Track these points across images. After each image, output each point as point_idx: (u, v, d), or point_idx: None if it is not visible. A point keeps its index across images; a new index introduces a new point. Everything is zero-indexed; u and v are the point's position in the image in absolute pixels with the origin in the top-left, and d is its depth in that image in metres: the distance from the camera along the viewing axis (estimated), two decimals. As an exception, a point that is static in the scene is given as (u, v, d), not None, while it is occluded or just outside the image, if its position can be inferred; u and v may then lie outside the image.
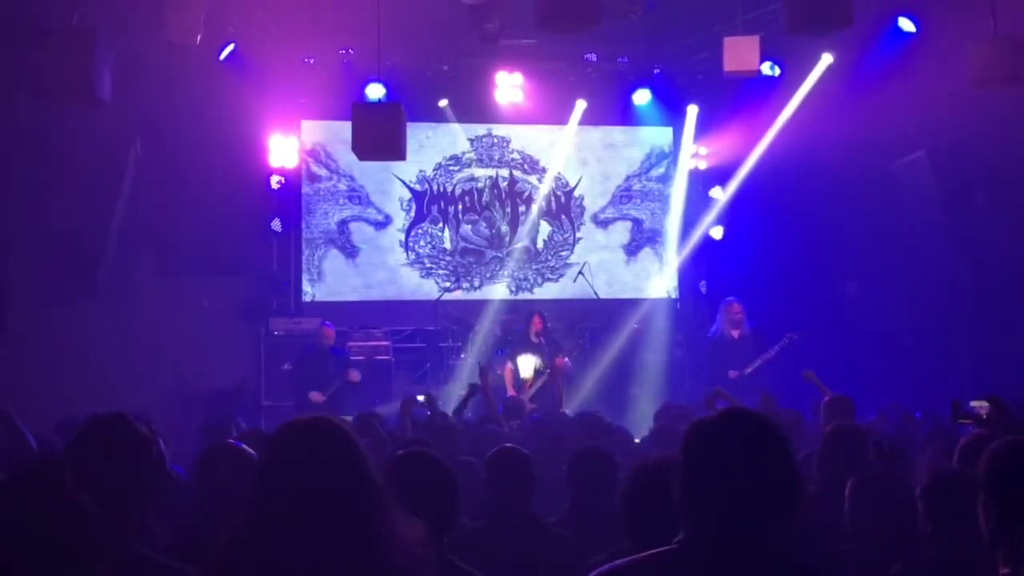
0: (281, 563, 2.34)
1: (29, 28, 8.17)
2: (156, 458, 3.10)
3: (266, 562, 2.35)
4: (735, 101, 12.73)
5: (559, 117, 13.89)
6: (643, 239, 14.47)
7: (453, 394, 11.74)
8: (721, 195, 13.77)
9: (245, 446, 4.02)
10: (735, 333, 11.39)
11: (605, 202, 14.42)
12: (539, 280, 14.13)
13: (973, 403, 5.77)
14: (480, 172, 14.11)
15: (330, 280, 13.49)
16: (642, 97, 13.62)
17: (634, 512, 3.29)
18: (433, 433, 6.35)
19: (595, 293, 13.03)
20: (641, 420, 9.28)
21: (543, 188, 14.16)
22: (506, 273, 13.97)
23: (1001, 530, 2.54)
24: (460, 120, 13.70)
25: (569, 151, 14.17)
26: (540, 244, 14.20)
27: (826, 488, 4.60)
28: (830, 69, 12.02)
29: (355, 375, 11.21)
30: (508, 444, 4.73)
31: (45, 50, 7.54)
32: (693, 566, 2.34)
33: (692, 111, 13.88)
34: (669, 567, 2.36)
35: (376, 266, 13.69)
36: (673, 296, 14.29)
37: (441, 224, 13.94)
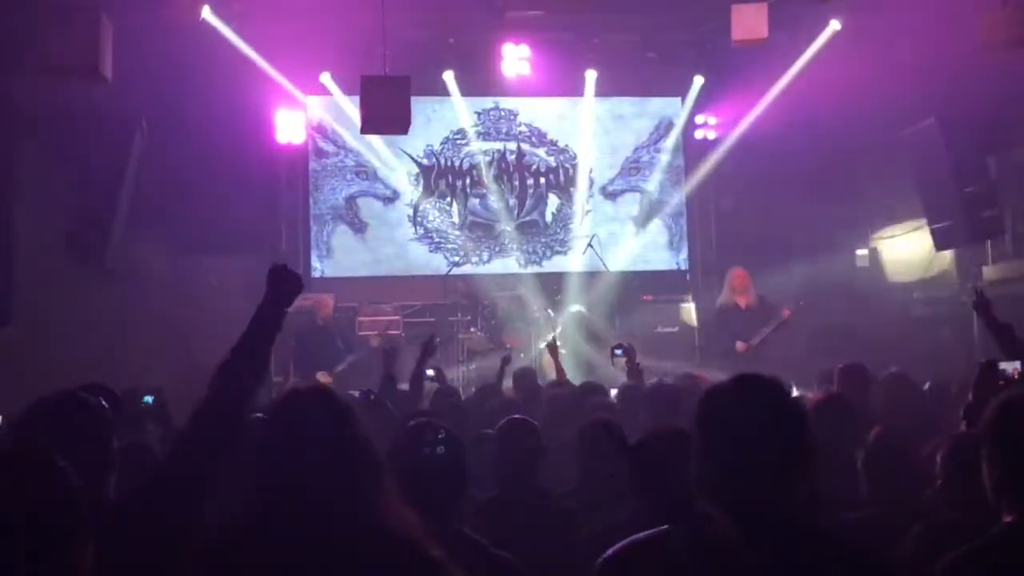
0: (281, 533, 2.35)
1: (33, 5, 8.16)
2: (110, 429, 2.99)
3: (266, 534, 2.36)
4: (743, 70, 12.62)
5: (567, 89, 13.79)
6: (652, 211, 14.39)
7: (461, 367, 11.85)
8: (728, 165, 13.65)
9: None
10: (741, 302, 11.30)
11: (614, 174, 14.35)
12: (548, 253, 14.09)
13: (1003, 365, 5.66)
14: (488, 146, 14.04)
15: (339, 256, 13.48)
16: (650, 67, 13.50)
17: (643, 480, 3.27)
18: (442, 406, 6.34)
19: (604, 265, 12.98)
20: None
21: (551, 161, 14.11)
22: (515, 247, 13.93)
23: (1005, 479, 2.60)
24: (466, 93, 13.60)
25: (577, 123, 14.09)
26: (549, 217, 14.16)
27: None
28: (838, 36, 11.89)
29: (376, 340, 11.25)
30: (517, 415, 4.73)
31: (48, 27, 7.55)
32: (716, 540, 2.26)
33: (698, 82, 13.74)
34: (691, 540, 2.29)
35: (385, 241, 13.67)
36: (683, 268, 14.24)
37: (449, 198, 13.90)
